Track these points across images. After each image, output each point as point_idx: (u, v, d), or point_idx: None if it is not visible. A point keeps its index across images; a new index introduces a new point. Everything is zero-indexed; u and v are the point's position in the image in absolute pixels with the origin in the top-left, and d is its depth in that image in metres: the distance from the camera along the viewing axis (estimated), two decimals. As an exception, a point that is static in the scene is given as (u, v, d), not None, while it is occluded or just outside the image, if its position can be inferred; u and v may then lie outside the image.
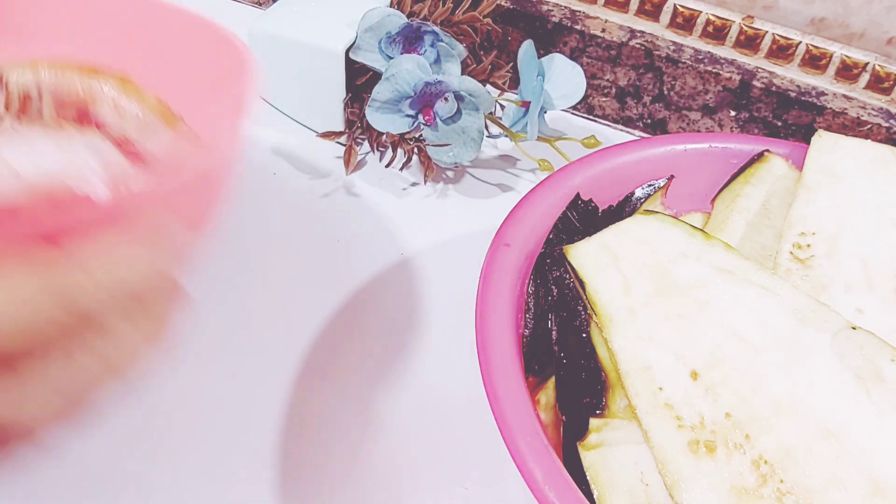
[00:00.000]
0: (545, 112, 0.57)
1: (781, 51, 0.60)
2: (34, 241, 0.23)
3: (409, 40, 0.54)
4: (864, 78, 0.60)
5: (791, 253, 0.41)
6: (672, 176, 0.47)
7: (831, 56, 0.60)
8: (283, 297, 0.48)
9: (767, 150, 0.47)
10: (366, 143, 0.59)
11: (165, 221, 0.25)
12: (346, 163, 0.57)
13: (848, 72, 0.60)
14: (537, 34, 0.64)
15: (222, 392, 0.43)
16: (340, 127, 0.58)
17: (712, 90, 0.62)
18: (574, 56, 0.64)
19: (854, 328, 0.36)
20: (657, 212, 0.42)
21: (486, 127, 0.55)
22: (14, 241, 0.22)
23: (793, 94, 0.60)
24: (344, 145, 0.58)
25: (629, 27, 0.63)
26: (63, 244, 0.23)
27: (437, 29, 0.53)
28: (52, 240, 0.23)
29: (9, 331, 0.21)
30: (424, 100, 0.52)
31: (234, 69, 0.35)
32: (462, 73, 0.55)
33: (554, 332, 0.39)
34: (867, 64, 0.59)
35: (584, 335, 0.38)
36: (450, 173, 0.59)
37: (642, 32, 0.63)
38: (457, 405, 0.44)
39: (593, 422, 0.35)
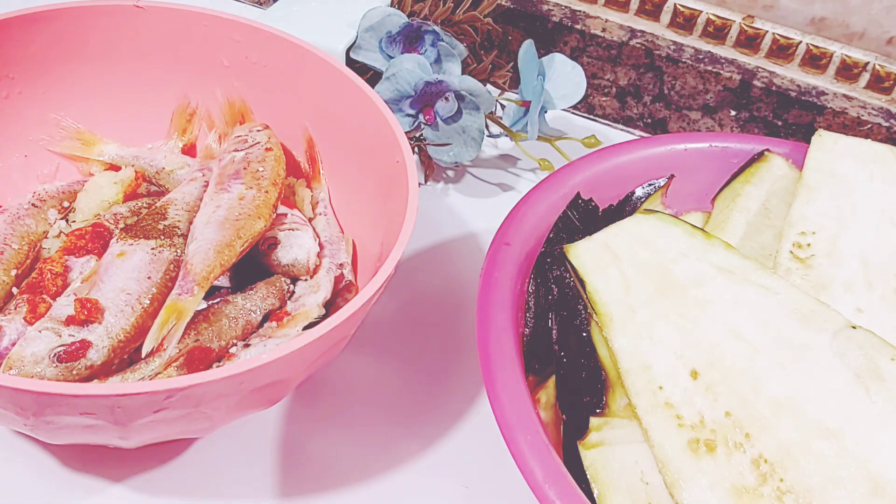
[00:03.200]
0: (545, 111, 0.57)
1: (781, 50, 0.61)
2: None
3: (410, 40, 0.54)
4: (865, 77, 0.60)
5: (791, 252, 0.41)
6: (672, 175, 0.47)
7: (831, 56, 0.60)
8: (283, 297, 0.48)
9: (768, 150, 0.47)
10: (366, 143, 0.59)
11: None
12: (347, 162, 0.57)
13: (848, 71, 0.60)
14: (538, 34, 0.64)
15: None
16: (341, 126, 0.58)
17: (712, 90, 0.62)
18: (574, 56, 0.64)
19: (854, 327, 0.36)
20: (657, 211, 0.42)
21: (487, 126, 0.55)
22: None
23: (793, 94, 0.60)
24: (344, 145, 0.58)
25: (629, 27, 0.63)
26: None
27: (437, 28, 0.53)
28: None
29: None
30: (425, 99, 0.52)
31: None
32: (462, 73, 0.55)
33: (554, 331, 0.39)
34: (867, 64, 0.59)
35: (584, 334, 0.38)
36: (450, 173, 0.59)
37: (643, 32, 0.63)
38: (457, 404, 0.44)
39: (593, 421, 0.35)
